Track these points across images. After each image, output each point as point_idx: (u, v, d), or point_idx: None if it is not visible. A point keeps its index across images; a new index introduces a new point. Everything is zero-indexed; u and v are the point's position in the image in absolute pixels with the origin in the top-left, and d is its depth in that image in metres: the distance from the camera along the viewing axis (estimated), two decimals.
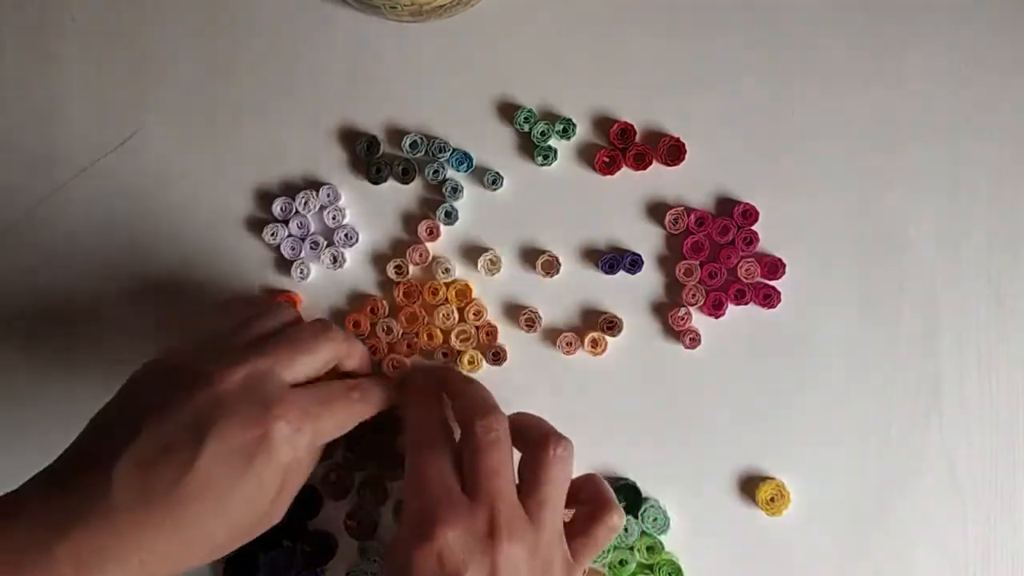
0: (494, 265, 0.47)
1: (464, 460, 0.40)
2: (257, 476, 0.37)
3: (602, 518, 0.40)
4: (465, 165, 0.47)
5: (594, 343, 0.47)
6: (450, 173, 0.47)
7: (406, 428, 0.42)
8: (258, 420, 0.37)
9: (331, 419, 0.40)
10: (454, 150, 0.47)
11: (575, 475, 0.42)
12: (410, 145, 0.47)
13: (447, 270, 0.47)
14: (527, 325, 0.47)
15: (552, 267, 0.47)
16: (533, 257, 0.47)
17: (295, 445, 0.38)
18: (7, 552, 0.34)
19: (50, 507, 0.35)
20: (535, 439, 0.40)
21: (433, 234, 0.47)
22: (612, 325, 0.47)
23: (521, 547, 0.37)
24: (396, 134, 0.48)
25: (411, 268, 0.47)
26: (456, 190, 0.47)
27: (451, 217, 0.47)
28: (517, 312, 0.47)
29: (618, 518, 0.41)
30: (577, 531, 0.40)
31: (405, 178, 0.47)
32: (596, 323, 0.47)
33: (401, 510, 0.46)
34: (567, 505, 0.41)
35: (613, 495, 0.42)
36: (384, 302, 0.47)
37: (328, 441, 0.40)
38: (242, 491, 0.37)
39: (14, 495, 0.36)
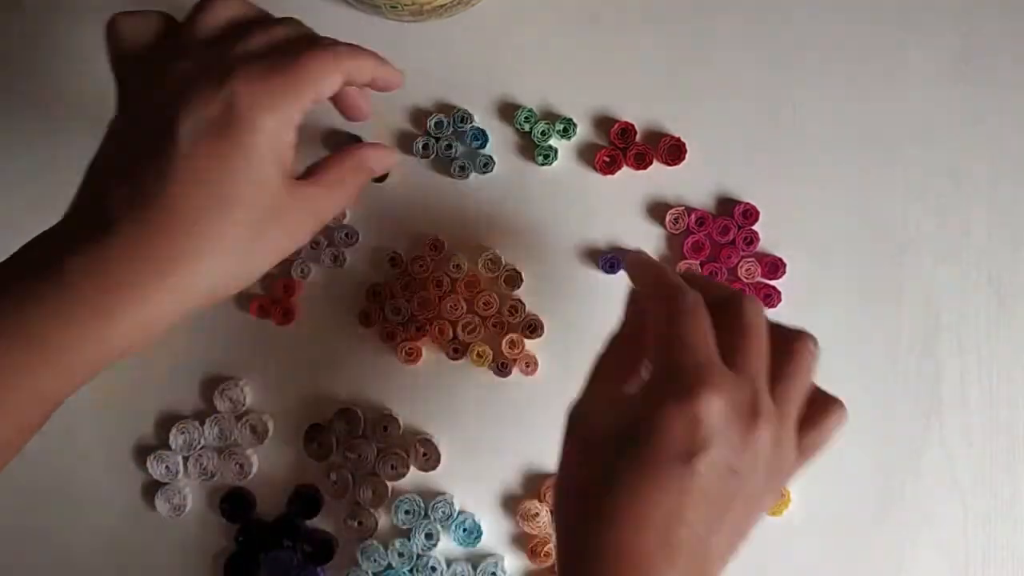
0: (495, 264, 0.47)
1: (728, 334, 0.36)
2: (241, 149, 0.33)
3: (831, 408, 0.37)
4: (480, 142, 0.47)
5: (512, 344, 0.47)
6: (461, 151, 0.48)
7: (646, 289, 0.38)
8: (216, 90, 0.34)
9: (310, 73, 0.35)
10: (473, 125, 0.47)
11: None
12: (435, 124, 0.47)
13: (458, 266, 0.47)
14: (528, 329, 0.47)
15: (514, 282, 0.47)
16: (536, 256, 0.47)
17: (268, 107, 0.34)
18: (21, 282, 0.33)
19: (55, 247, 0.34)
20: (786, 332, 0.37)
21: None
22: (533, 328, 0.47)
23: (767, 434, 0.34)
24: (397, 133, 0.48)
25: (428, 259, 0.48)
26: (464, 168, 0.47)
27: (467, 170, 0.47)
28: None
29: (844, 411, 0.37)
30: (806, 425, 0.37)
31: (379, 177, 0.48)
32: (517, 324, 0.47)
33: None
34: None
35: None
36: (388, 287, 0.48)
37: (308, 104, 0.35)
38: (235, 172, 0.34)
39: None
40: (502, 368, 0.47)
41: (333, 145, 0.48)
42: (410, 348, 0.47)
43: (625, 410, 0.35)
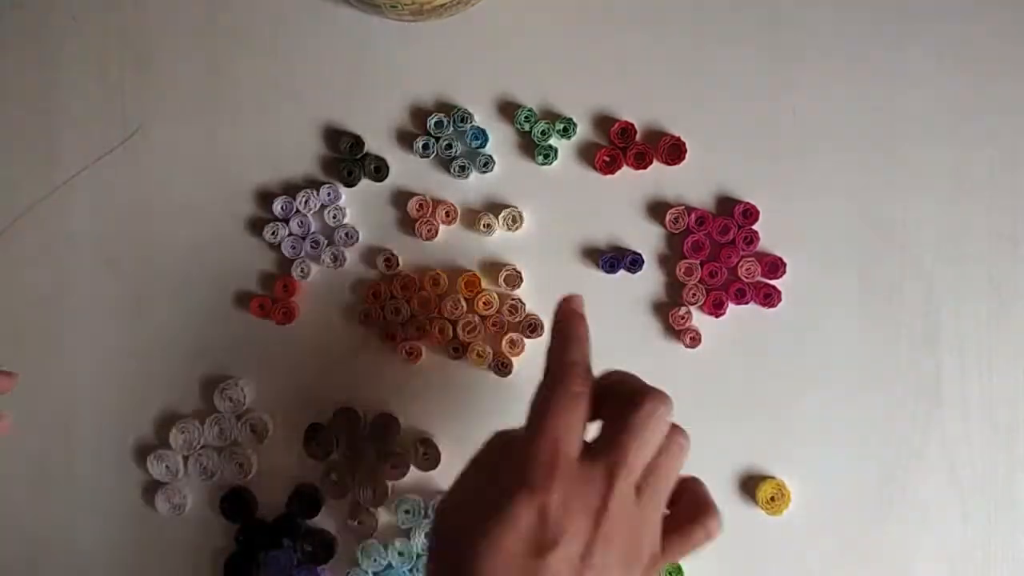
0: (515, 222, 0.47)
1: (608, 423, 0.37)
2: None
3: (703, 520, 0.38)
4: (480, 141, 0.47)
5: (512, 344, 0.47)
6: (460, 150, 0.48)
7: (548, 359, 0.39)
8: None
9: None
10: (473, 125, 0.47)
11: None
12: (435, 124, 0.47)
13: (488, 225, 0.47)
14: (528, 329, 0.47)
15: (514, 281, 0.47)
16: (536, 256, 0.47)
17: None
18: None
19: None
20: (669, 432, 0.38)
21: (432, 231, 0.48)
22: (533, 328, 0.47)
23: (622, 527, 0.35)
24: (397, 133, 0.48)
25: (440, 227, 0.48)
26: (464, 168, 0.47)
27: (466, 171, 0.47)
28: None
29: (717, 525, 0.38)
30: (673, 527, 0.38)
31: (378, 176, 0.47)
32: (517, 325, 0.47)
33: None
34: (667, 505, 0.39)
35: (714, 501, 0.39)
36: (387, 286, 0.48)
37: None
38: None
39: None
40: (502, 368, 0.47)
41: (333, 144, 0.48)
42: (410, 348, 0.47)
43: (483, 500, 0.35)
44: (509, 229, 0.47)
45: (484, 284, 0.47)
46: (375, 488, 0.47)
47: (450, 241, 0.48)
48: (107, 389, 0.49)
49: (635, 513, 0.36)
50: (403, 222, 0.48)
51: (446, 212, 0.47)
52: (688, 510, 0.39)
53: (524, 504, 0.34)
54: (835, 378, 0.47)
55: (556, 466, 0.35)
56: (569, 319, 0.40)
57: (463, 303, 0.47)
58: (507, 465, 0.36)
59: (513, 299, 0.47)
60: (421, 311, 0.47)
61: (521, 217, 0.47)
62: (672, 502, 0.39)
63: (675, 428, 0.38)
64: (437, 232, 0.48)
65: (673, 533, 0.38)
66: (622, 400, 0.37)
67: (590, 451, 0.36)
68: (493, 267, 0.48)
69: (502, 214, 0.47)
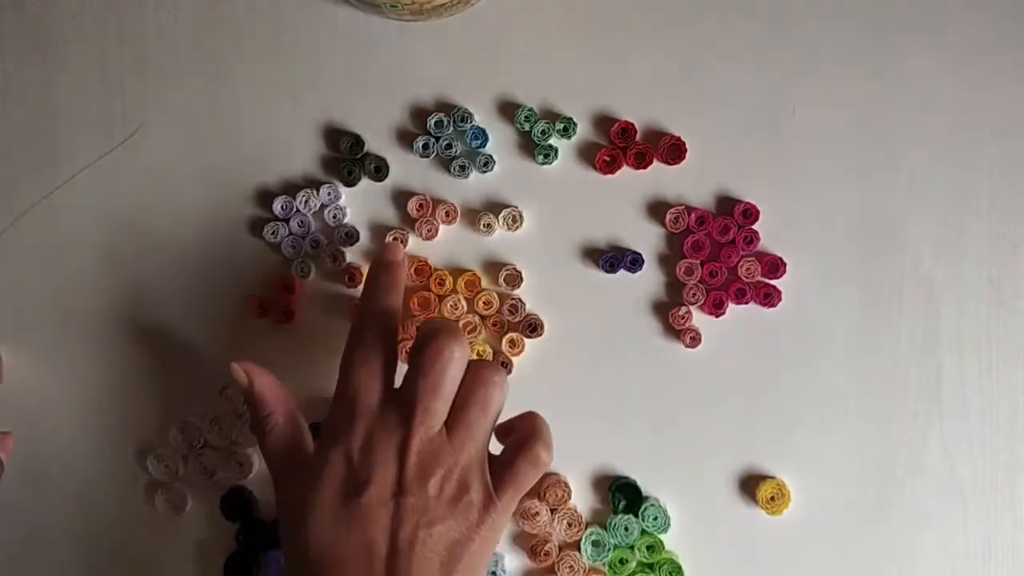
0: (515, 222, 0.47)
1: (407, 372, 0.39)
2: None
3: (526, 450, 0.38)
4: (480, 141, 0.47)
5: (512, 344, 0.47)
6: (459, 149, 0.48)
7: (359, 314, 0.41)
8: None
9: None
10: (473, 124, 0.47)
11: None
12: (435, 124, 0.47)
13: (488, 225, 0.47)
14: (528, 329, 0.47)
15: (515, 280, 0.47)
16: (536, 256, 0.48)
17: None
18: None
19: None
20: (477, 365, 0.39)
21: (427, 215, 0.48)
22: (533, 328, 0.47)
23: (433, 463, 0.37)
24: (397, 133, 0.48)
25: (440, 227, 0.48)
26: (464, 168, 0.47)
27: (468, 170, 0.47)
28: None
29: (544, 452, 0.38)
30: (501, 463, 0.39)
31: (378, 175, 0.47)
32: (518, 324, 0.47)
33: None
34: (501, 442, 0.40)
35: (545, 431, 0.40)
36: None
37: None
38: None
39: None
40: (502, 367, 0.47)
41: (333, 143, 0.48)
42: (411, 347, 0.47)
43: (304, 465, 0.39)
44: (509, 229, 0.47)
45: (484, 283, 0.47)
46: None
47: (450, 241, 0.48)
48: (107, 389, 0.49)
49: (447, 450, 0.37)
50: (403, 222, 0.48)
51: (446, 212, 0.47)
52: (515, 443, 0.39)
53: (331, 456, 0.37)
54: (835, 378, 0.47)
55: (355, 414, 0.37)
56: (373, 271, 0.42)
57: (463, 303, 0.47)
58: (320, 428, 0.39)
59: (513, 299, 0.47)
60: (421, 311, 0.47)
61: (521, 217, 0.47)
62: (507, 438, 0.40)
63: (480, 362, 0.39)
64: (437, 232, 0.48)
65: (502, 469, 0.39)
66: (417, 343, 0.39)
67: (392, 397, 0.38)
68: (493, 267, 0.48)
69: (502, 214, 0.47)
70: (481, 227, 0.47)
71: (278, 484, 0.40)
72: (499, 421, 0.40)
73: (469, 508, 0.37)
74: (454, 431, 0.38)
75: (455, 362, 0.38)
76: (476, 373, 0.39)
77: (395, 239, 0.47)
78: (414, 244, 0.48)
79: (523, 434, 0.39)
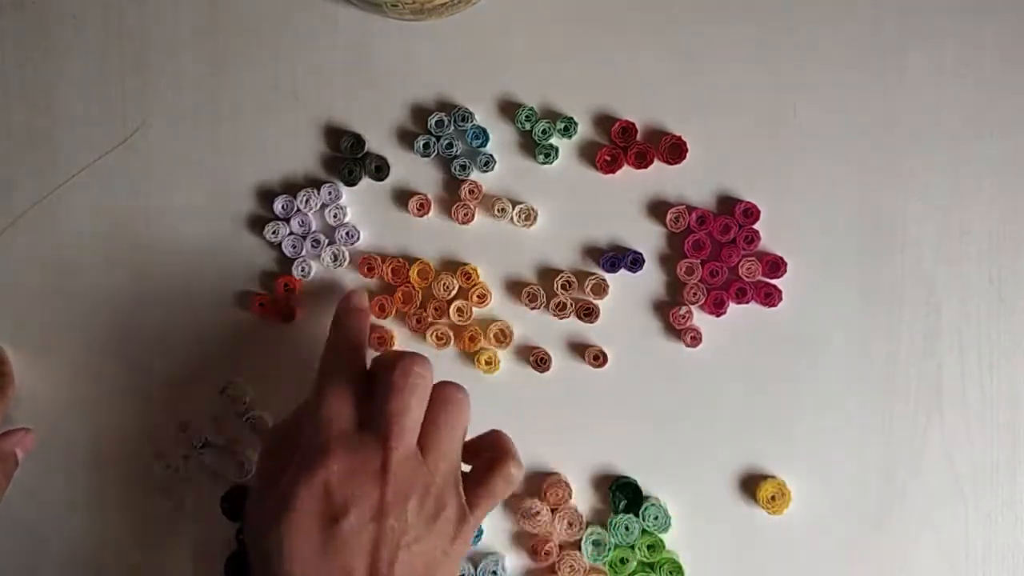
0: (528, 218, 0.47)
1: (374, 398, 0.39)
2: None
3: (500, 468, 0.40)
4: (481, 140, 0.47)
5: (595, 357, 0.47)
6: (461, 150, 0.48)
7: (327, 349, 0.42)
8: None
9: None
10: (474, 124, 0.47)
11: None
12: (436, 123, 0.47)
13: (503, 210, 0.47)
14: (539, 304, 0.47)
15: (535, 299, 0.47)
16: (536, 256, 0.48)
17: None
18: None
19: None
20: (439, 387, 0.40)
21: (424, 209, 0.48)
22: (589, 311, 0.47)
23: (411, 485, 0.37)
24: (397, 132, 0.48)
25: (471, 206, 0.48)
26: (465, 167, 0.47)
27: (467, 170, 0.47)
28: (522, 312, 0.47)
29: (516, 469, 0.40)
30: (475, 481, 0.40)
31: (378, 175, 0.47)
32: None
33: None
34: (469, 460, 0.41)
35: (514, 448, 0.41)
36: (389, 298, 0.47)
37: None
38: None
39: None
40: (541, 364, 0.47)
41: (334, 143, 0.48)
42: (440, 333, 0.47)
43: (275, 493, 0.38)
44: (524, 223, 0.47)
45: (481, 276, 0.47)
46: None
47: (449, 238, 0.48)
48: (106, 388, 0.48)
49: (423, 470, 0.38)
50: (404, 221, 0.48)
51: (472, 192, 0.47)
52: (487, 461, 0.40)
53: (306, 485, 0.37)
54: (836, 378, 0.47)
55: (330, 443, 0.38)
56: (338, 316, 0.44)
57: (469, 310, 0.47)
58: (288, 455, 0.39)
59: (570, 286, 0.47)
60: (421, 311, 0.47)
61: (535, 213, 0.47)
62: (476, 456, 0.41)
63: (444, 383, 0.40)
64: (473, 216, 0.48)
65: (476, 486, 0.40)
66: (380, 370, 0.40)
67: (364, 423, 0.39)
68: (500, 266, 0.47)
69: (516, 209, 0.47)
70: (496, 211, 0.47)
71: (267, 465, 0.40)
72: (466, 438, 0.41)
73: (446, 525, 0.38)
74: (427, 450, 0.39)
75: (423, 380, 0.39)
76: (441, 393, 0.40)
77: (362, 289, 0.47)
78: (415, 244, 0.48)
79: (496, 452, 0.41)
